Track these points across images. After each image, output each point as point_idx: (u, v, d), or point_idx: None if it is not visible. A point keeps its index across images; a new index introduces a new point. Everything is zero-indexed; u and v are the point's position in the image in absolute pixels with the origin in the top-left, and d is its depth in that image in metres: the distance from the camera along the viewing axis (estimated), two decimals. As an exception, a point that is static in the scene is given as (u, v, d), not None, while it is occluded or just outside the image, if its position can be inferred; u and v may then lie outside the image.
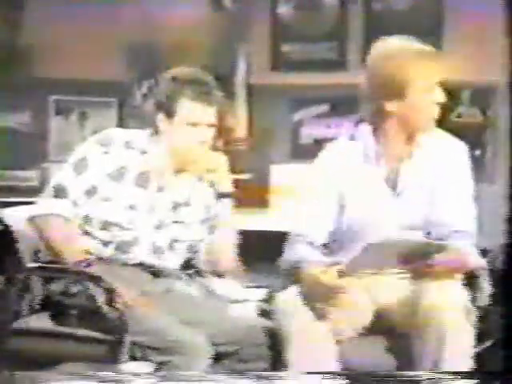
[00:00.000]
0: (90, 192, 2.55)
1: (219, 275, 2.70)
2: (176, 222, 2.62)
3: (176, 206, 2.62)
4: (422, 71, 2.44)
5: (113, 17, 4.21)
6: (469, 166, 2.53)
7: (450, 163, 2.51)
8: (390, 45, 2.48)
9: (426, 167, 2.50)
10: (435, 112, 2.46)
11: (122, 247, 2.56)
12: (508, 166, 2.27)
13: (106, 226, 2.55)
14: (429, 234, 2.48)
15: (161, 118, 2.56)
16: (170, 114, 2.54)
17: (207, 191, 2.65)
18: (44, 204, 2.56)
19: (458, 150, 2.54)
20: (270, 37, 4.26)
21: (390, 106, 2.47)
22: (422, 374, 2.22)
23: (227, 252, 2.64)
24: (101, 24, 4.18)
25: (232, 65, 4.23)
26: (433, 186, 2.49)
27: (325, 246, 2.53)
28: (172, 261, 2.63)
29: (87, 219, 2.56)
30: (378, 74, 2.45)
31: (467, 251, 2.41)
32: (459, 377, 2.15)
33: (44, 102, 4.38)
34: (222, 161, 2.63)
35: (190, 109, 2.52)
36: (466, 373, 2.17)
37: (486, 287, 2.45)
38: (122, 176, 2.56)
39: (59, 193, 2.55)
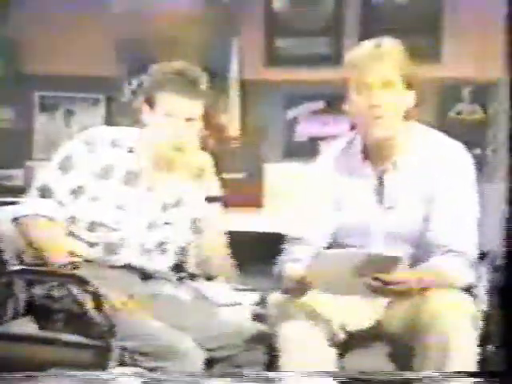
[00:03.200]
0: (76, 192, 2.55)
1: (210, 278, 2.71)
2: (166, 223, 2.62)
3: (165, 207, 2.62)
4: (358, 71, 2.42)
5: (101, 10, 4.21)
6: (472, 175, 2.46)
7: (449, 172, 2.44)
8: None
9: (417, 177, 2.45)
10: (378, 116, 2.39)
11: (110, 249, 2.57)
12: (508, 165, 2.26)
13: (92, 226, 2.55)
14: (418, 249, 2.44)
15: (145, 109, 2.58)
16: (151, 105, 2.56)
17: (197, 192, 2.65)
18: (29, 204, 2.57)
19: (457, 157, 2.47)
20: (263, 31, 4.26)
21: (345, 106, 2.47)
22: (422, 374, 2.24)
23: (218, 255, 2.65)
24: (88, 18, 4.18)
25: (224, 60, 4.23)
26: (428, 199, 2.43)
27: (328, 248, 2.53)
28: (161, 263, 2.64)
29: (73, 220, 2.56)
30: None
31: (444, 271, 2.36)
32: (459, 377, 2.16)
33: (28, 98, 4.38)
34: (206, 160, 2.63)
35: (168, 101, 2.53)
36: (466, 373, 2.19)
37: (485, 291, 2.45)
38: (108, 175, 2.57)
39: (44, 193, 2.56)
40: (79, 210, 2.56)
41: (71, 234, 2.57)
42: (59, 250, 2.51)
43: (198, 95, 2.55)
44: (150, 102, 2.56)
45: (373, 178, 2.49)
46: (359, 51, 2.45)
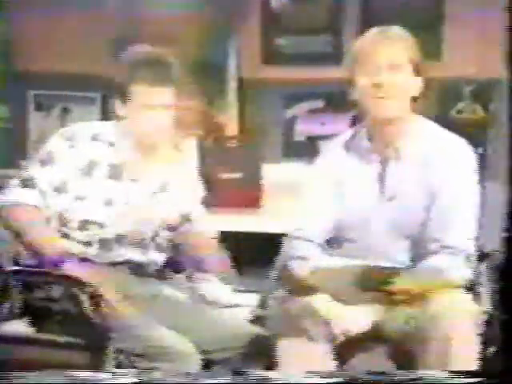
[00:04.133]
0: (61, 189, 2.55)
1: (204, 273, 2.69)
2: (156, 210, 2.62)
3: (154, 195, 2.63)
4: (362, 52, 2.44)
5: (97, 8, 4.21)
6: (473, 172, 2.48)
7: (450, 167, 2.45)
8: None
9: (419, 170, 2.46)
10: (382, 95, 2.41)
11: (106, 245, 2.57)
12: (509, 165, 2.27)
13: (83, 225, 2.56)
14: (417, 246, 2.46)
15: (117, 102, 2.58)
16: (124, 98, 2.56)
17: (184, 176, 2.65)
18: (12, 193, 2.57)
19: (459, 152, 2.48)
20: (261, 29, 4.27)
21: (352, 94, 2.49)
22: (422, 373, 2.25)
23: (208, 253, 2.64)
24: (84, 15, 4.19)
25: (222, 58, 4.23)
26: (429, 192, 2.45)
27: (327, 242, 2.54)
28: (157, 255, 2.63)
29: (64, 221, 2.56)
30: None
31: (443, 271, 2.37)
32: (459, 376, 2.17)
33: (23, 96, 4.38)
34: (184, 147, 2.64)
35: (144, 92, 2.53)
36: (465, 372, 2.20)
37: (487, 292, 2.46)
38: (92, 171, 2.58)
39: (27, 183, 2.56)
40: (68, 210, 2.56)
41: (64, 235, 2.57)
42: (47, 238, 2.51)
43: (169, 82, 2.54)
44: (122, 95, 2.56)
45: (376, 167, 2.50)
46: (367, 37, 2.47)
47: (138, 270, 2.61)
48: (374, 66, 2.42)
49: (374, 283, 2.31)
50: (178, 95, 2.57)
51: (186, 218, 2.67)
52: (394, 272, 2.33)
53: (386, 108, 2.44)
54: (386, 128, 2.48)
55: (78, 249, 2.56)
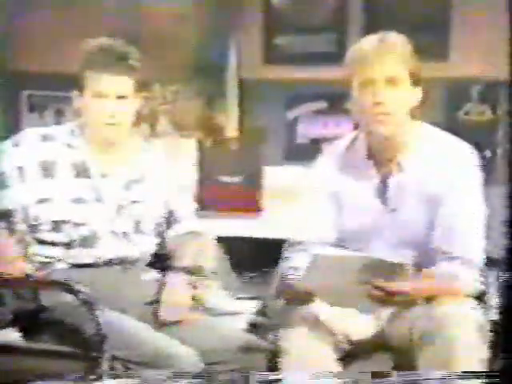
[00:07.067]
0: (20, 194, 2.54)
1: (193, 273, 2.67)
2: (134, 201, 2.62)
3: (128, 185, 2.62)
4: (361, 67, 2.41)
5: (93, 5, 4.21)
6: (478, 178, 2.46)
7: (454, 175, 2.44)
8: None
9: (422, 179, 2.45)
10: (382, 113, 2.39)
11: (86, 244, 2.56)
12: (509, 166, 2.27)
13: (56, 226, 2.54)
14: (422, 257, 2.44)
15: (74, 94, 2.59)
16: (81, 88, 2.56)
17: (157, 161, 2.66)
18: None
19: (463, 159, 2.47)
20: (262, 28, 4.27)
21: (347, 105, 2.48)
22: (423, 373, 2.24)
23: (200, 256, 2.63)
24: (80, 13, 4.19)
25: (222, 58, 4.24)
26: (432, 201, 2.44)
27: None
28: (142, 245, 2.62)
29: (33, 226, 2.55)
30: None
31: (451, 277, 2.36)
32: (460, 377, 2.17)
33: (16, 97, 4.38)
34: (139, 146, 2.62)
35: (96, 80, 2.53)
36: (466, 373, 2.19)
37: (495, 301, 2.45)
38: (51, 171, 2.57)
39: None
40: (34, 214, 2.54)
41: (40, 242, 2.56)
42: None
43: (127, 71, 2.53)
44: (79, 85, 2.56)
45: (376, 178, 2.49)
46: (362, 46, 2.45)
47: (125, 266, 2.60)
48: (372, 80, 2.40)
49: (375, 277, 2.29)
50: (137, 87, 2.56)
51: (173, 217, 2.66)
52: (397, 267, 2.31)
53: (385, 125, 2.41)
54: (385, 143, 2.46)
55: (60, 254, 2.55)
